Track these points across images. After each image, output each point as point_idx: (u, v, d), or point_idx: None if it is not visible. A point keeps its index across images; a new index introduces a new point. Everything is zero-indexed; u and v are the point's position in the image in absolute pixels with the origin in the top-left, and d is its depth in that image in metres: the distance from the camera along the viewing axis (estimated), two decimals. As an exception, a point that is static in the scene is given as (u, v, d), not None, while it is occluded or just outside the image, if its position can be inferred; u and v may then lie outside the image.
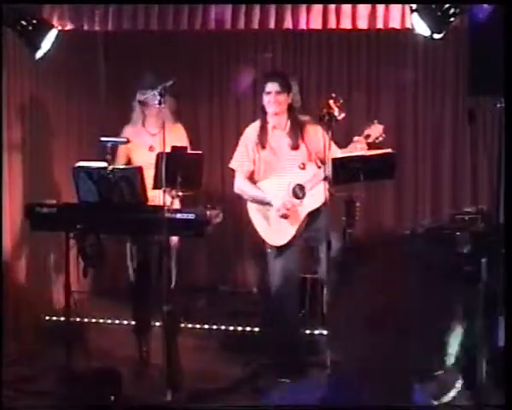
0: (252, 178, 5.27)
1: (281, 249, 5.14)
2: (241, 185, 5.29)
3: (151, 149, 5.36)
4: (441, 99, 7.08)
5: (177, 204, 5.11)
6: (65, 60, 6.28)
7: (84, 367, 4.82)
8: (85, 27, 5.92)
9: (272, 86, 5.13)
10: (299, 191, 5.09)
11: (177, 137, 5.33)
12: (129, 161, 5.43)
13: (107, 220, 4.89)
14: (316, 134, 5.07)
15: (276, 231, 5.14)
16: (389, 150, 4.96)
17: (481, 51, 4.47)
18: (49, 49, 5.13)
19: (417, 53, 6.94)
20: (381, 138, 5.06)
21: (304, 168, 5.09)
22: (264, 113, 5.21)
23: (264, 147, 5.18)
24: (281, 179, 5.15)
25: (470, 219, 4.97)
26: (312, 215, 5.10)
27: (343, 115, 5.00)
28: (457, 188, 7.04)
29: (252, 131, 5.27)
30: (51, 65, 5.91)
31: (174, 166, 4.78)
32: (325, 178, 4.71)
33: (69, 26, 5.87)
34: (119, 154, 5.41)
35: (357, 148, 4.96)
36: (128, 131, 5.44)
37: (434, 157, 7.13)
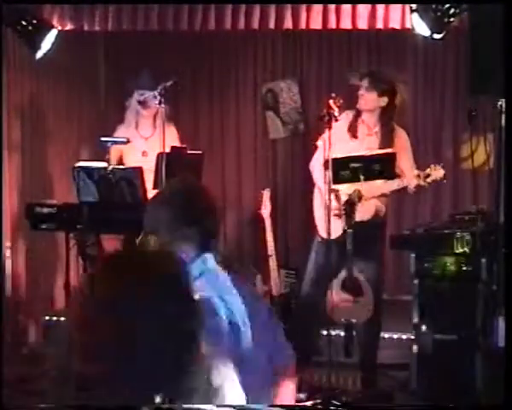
0: None
1: (326, 243, 5.05)
2: (314, 166, 5.24)
3: (144, 154, 5.35)
4: (441, 99, 7.07)
5: None
6: (65, 60, 6.28)
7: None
8: (85, 27, 5.91)
9: (363, 82, 5.11)
10: (355, 197, 5.00)
11: (170, 138, 5.32)
12: (120, 163, 5.40)
13: (107, 220, 4.89)
14: (400, 149, 5.05)
15: (328, 222, 5.04)
16: (389, 150, 4.96)
17: (481, 51, 4.47)
18: (49, 49, 5.13)
19: (417, 53, 6.94)
20: (438, 182, 5.02)
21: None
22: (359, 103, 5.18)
23: (351, 137, 5.12)
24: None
25: (470, 219, 4.97)
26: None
27: (343, 115, 5.00)
28: (457, 188, 7.03)
29: (345, 116, 5.19)
30: (51, 65, 5.91)
31: (174, 167, 4.78)
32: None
33: (69, 26, 5.86)
34: (111, 153, 5.40)
35: (413, 183, 4.92)
36: (121, 132, 5.43)
37: (434, 157, 7.12)
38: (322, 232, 5.12)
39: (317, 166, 5.22)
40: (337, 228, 5.00)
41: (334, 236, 4.98)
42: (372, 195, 5.01)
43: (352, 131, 5.15)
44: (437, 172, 4.96)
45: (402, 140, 5.15)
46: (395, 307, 6.19)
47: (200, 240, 2.37)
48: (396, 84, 5.21)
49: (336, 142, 4.87)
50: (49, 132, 6.63)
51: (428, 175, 4.93)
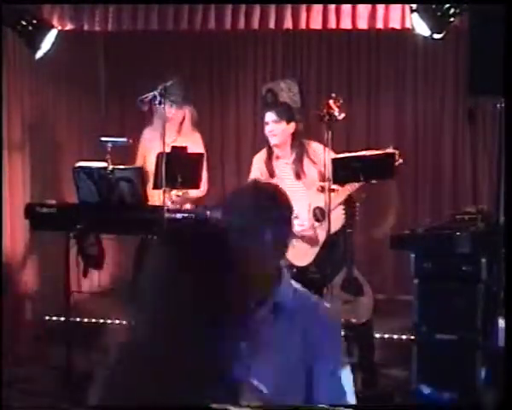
0: None
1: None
2: None
3: None
4: (441, 99, 7.07)
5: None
6: (65, 60, 6.28)
7: (84, 367, 4.81)
8: (85, 27, 5.91)
9: (269, 116, 5.06)
10: (319, 214, 4.98)
11: (194, 144, 5.31)
12: (145, 163, 5.39)
13: (107, 220, 4.89)
14: (319, 155, 4.97)
15: (298, 252, 5.04)
16: (389, 150, 4.96)
17: (481, 51, 4.47)
18: (49, 49, 5.13)
19: (417, 53, 6.94)
20: (396, 163, 4.99)
21: (323, 191, 4.93)
22: (268, 142, 5.14)
23: (272, 176, 5.10)
24: (296, 202, 5.02)
25: (470, 219, 4.97)
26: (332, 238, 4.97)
27: (343, 115, 4.99)
28: (457, 188, 7.03)
29: (258, 161, 5.20)
30: (51, 65, 5.91)
31: (174, 166, 4.78)
32: (346, 201, 4.72)
33: (69, 26, 5.86)
34: (138, 153, 5.41)
35: None
36: (147, 134, 5.43)
37: (434, 157, 7.13)
38: (295, 262, 5.00)
39: None
40: (308, 254, 5.00)
41: (304, 263, 5.00)
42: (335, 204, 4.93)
43: (269, 170, 5.12)
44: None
45: (317, 153, 5.05)
46: (395, 307, 6.20)
47: None
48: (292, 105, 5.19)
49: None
50: (50, 132, 6.63)
51: None
